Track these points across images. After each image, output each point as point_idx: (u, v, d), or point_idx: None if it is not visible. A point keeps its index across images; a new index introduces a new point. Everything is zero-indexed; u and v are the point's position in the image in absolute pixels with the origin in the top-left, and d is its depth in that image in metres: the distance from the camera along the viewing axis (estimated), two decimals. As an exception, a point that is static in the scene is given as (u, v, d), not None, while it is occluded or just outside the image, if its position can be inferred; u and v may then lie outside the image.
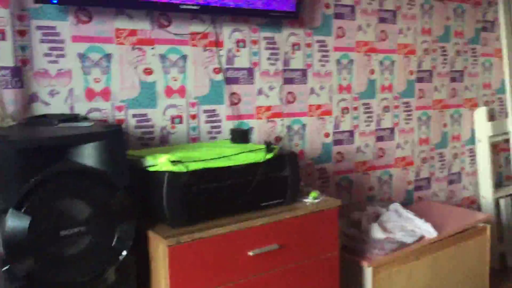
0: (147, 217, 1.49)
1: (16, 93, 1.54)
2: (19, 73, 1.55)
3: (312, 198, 1.74)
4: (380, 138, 2.58)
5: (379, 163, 2.59)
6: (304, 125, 2.28)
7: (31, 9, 1.56)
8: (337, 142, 2.41)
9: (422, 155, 2.79)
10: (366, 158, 2.53)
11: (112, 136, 1.36)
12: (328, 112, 2.36)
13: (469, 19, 2.98)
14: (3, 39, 1.51)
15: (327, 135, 2.37)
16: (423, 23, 2.72)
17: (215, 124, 2.00)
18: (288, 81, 2.21)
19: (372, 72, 2.51)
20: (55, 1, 1.51)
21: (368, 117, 2.52)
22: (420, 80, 2.74)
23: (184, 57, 1.90)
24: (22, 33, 1.55)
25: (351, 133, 2.45)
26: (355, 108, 2.46)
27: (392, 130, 2.63)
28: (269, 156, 1.64)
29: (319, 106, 2.33)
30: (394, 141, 2.64)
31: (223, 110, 2.02)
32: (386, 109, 2.59)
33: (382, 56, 2.54)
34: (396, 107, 2.63)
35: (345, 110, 2.42)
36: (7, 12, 1.51)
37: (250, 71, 2.09)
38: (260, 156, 1.63)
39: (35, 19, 1.57)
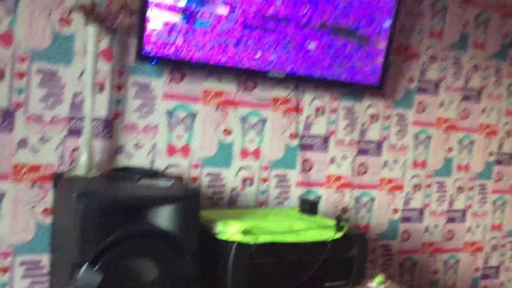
0: (210, 282, 1.49)
1: (105, 144, 1.62)
2: (110, 125, 1.63)
3: (377, 283, 1.68)
4: (451, 220, 2.47)
5: (447, 246, 2.47)
6: (372, 199, 2.23)
7: (131, 66, 1.64)
8: (405, 219, 2.33)
9: (493, 242, 2.65)
10: (434, 239, 2.42)
11: (189, 200, 1.39)
12: (399, 187, 2.30)
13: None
14: (101, 91, 1.60)
15: (395, 211, 2.30)
16: (509, 104, 2.62)
17: (284, 189, 2.00)
18: (362, 152, 2.18)
19: (450, 150, 2.43)
20: (155, 61, 1.59)
21: (440, 196, 2.43)
22: (499, 162, 2.62)
23: (263, 121, 1.93)
24: (119, 87, 1.63)
25: (420, 211, 2.37)
26: (428, 186, 2.38)
27: (464, 212, 2.51)
28: (339, 235, 1.61)
29: (390, 180, 2.27)
30: (465, 224, 2.53)
31: (293, 176, 2.02)
32: (460, 189, 2.49)
33: (462, 134, 2.46)
34: (471, 188, 2.53)
35: (417, 187, 2.35)
36: (108, 67, 1.60)
37: (325, 139, 2.08)
38: (329, 234, 1.60)
39: (132, 75, 1.65)
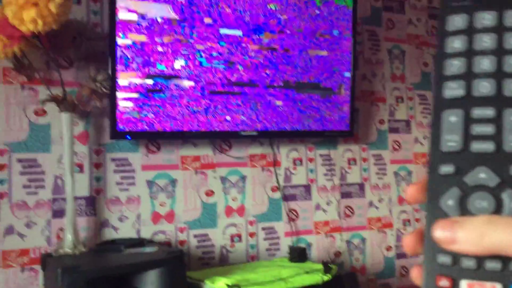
0: None
1: (89, 221, 1.70)
2: (93, 202, 1.71)
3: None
4: (446, 251, 2.48)
5: (447, 277, 2.47)
6: (363, 239, 2.27)
7: (107, 144, 1.75)
8: (400, 255, 2.35)
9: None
10: (432, 272, 2.42)
11: (173, 262, 1.44)
12: (389, 225, 2.34)
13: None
14: (81, 171, 1.70)
15: (389, 248, 2.33)
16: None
17: (273, 241, 2.05)
18: (345, 195, 2.25)
19: (432, 182, 2.49)
20: (128, 137, 1.70)
21: (432, 228, 2.45)
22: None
23: (243, 178, 2.01)
24: (98, 165, 1.73)
25: (414, 246, 2.39)
26: (417, 220, 2.42)
27: (459, 241, 2.53)
28: (327, 278, 1.65)
29: (378, 219, 2.32)
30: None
31: (281, 227, 2.07)
32: (450, 219, 2.52)
33: (443, 165, 2.53)
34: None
35: (406, 222, 2.39)
36: (86, 148, 1.71)
37: (307, 188, 2.16)
38: (317, 278, 1.64)
39: (110, 152, 1.76)
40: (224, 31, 1.84)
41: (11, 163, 1.60)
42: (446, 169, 0.29)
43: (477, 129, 0.28)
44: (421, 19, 2.54)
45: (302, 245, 2.10)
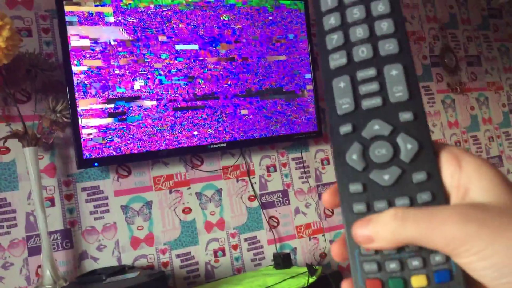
0: None
1: (67, 254, 1.66)
2: (69, 235, 1.68)
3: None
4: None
5: None
6: (347, 237, 2.27)
7: (76, 174, 1.72)
8: (385, 248, 2.36)
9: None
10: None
11: (155, 285, 1.42)
12: (370, 219, 2.35)
13: None
14: (53, 205, 1.66)
15: (372, 242, 2.33)
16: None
17: (257, 250, 2.04)
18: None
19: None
20: (96, 164, 1.68)
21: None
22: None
23: (219, 191, 2.00)
24: (69, 197, 1.70)
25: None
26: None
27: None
28: (312, 279, 1.64)
29: (359, 215, 2.33)
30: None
31: (263, 235, 2.07)
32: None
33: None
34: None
35: (386, 214, 2.41)
36: (54, 181, 1.68)
37: (284, 193, 2.16)
38: (303, 281, 1.63)
39: (79, 182, 1.73)
40: (180, 46, 1.84)
41: (-23, 205, 1.56)
42: (345, 128, 0.32)
43: (364, 88, 0.32)
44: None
45: (287, 250, 2.09)
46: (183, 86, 1.85)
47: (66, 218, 1.69)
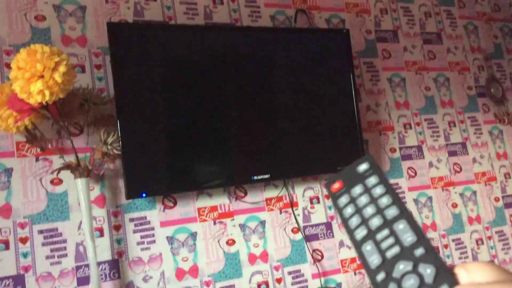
0: None
1: (115, 284, 1.68)
2: (116, 265, 1.70)
3: None
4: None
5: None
6: (393, 272, 2.20)
7: (124, 205, 1.76)
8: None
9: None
10: None
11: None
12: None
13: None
14: (101, 235, 1.69)
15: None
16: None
17: (302, 285, 2.00)
18: (368, 228, 2.20)
19: (455, 205, 2.45)
20: (144, 195, 1.70)
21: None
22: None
23: (262, 223, 1.99)
24: (117, 227, 1.73)
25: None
26: (445, 246, 2.36)
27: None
28: (360, 315, 1.60)
29: (405, 249, 2.26)
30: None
31: (307, 269, 2.03)
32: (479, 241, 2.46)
33: (461, 188, 2.50)
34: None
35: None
36: (104, 211, 1.72)
37: (328, 225, 2.13)
38: (351, 316, 1.59)
39: (127, 213, 1.76)
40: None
41: (32, 235, 1.61)
42: (380, 276, 0.42)
43: (384, 244, 0.44)
44: (416, 45, 2.58)
45: (331, 285, 2.05)
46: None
47: (114, 249, 1.71)
